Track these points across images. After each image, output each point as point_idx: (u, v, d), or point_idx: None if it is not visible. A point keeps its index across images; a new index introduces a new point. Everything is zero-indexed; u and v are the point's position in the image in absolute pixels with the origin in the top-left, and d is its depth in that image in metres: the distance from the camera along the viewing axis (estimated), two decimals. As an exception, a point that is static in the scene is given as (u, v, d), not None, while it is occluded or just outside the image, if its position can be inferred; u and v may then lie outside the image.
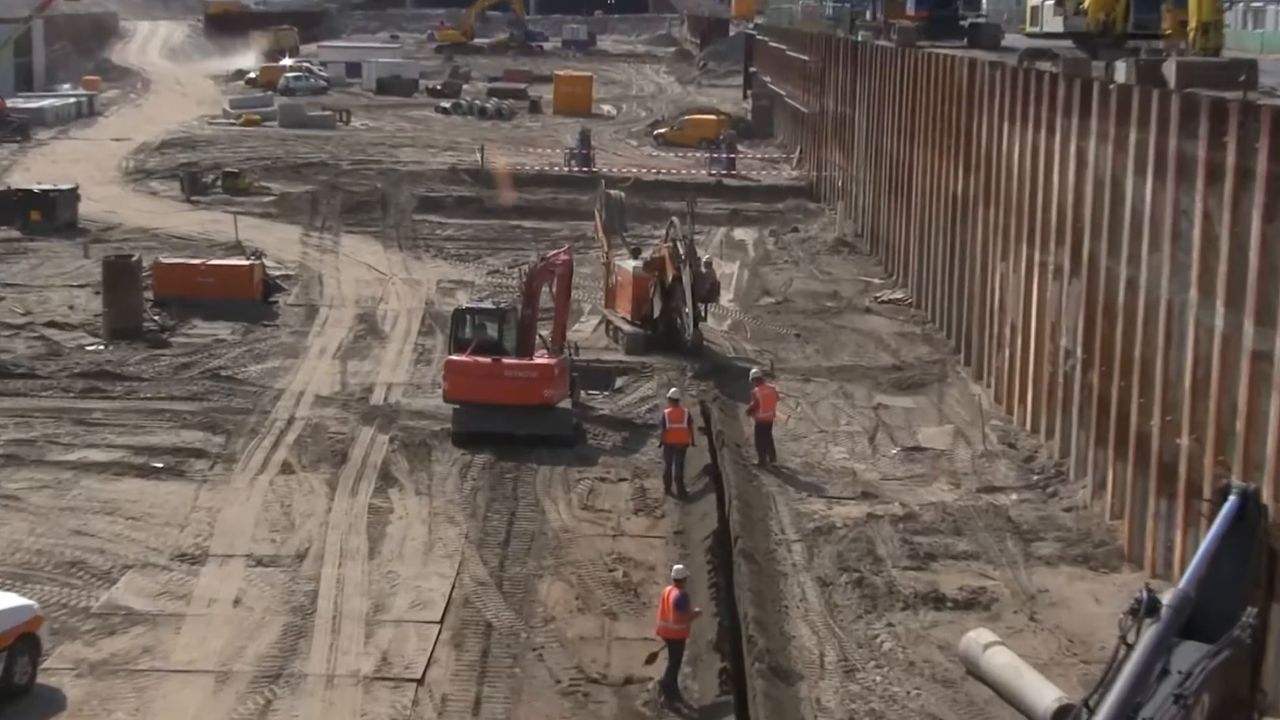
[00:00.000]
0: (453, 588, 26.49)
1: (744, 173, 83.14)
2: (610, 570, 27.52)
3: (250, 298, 47.94)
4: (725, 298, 51.43)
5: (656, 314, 43.86)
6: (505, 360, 34.82)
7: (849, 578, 26.94)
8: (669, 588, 23.26)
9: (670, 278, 42.80)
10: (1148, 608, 13.63)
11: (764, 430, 33.77)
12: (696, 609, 23.56)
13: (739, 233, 66.27)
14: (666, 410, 32.38)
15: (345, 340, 44.51)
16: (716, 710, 22.03)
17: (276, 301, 49.28)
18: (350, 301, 49.64)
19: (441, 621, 25.12)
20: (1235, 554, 14.21)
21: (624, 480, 32.49)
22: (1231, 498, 14.57)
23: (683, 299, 42.50)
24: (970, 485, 32.42)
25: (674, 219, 46.21)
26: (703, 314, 44.53)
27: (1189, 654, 13.42)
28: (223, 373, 40.33)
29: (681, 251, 42.62)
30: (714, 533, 28.56)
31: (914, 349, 44.87)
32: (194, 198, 69.45)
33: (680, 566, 24.25)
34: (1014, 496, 31.68)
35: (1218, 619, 13.72)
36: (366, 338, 44.94)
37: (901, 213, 53.18)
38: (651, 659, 23.41)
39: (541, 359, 35.37)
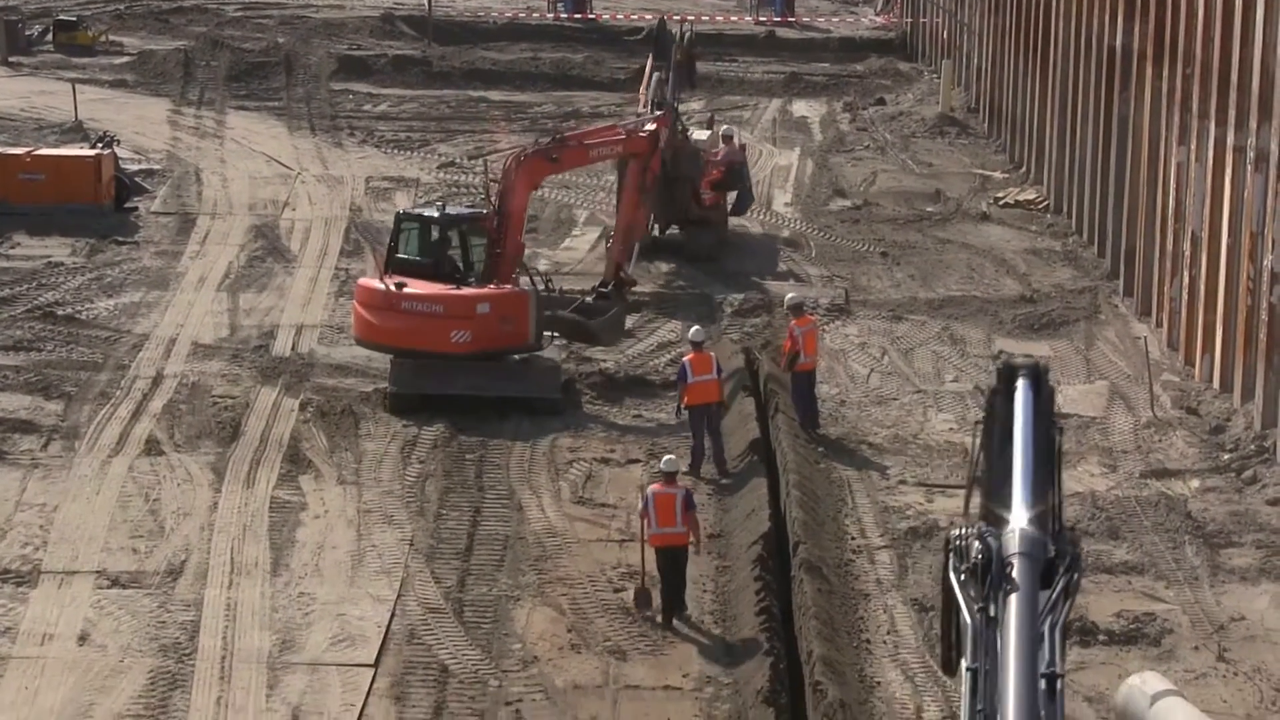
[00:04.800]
0: (392, 617, 26.57)
1: (807, 19, 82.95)
2: (616, 591, 27.64)
3: (97, 203, 48.05)
4: (781, 200, 51.47)
5: None
6: (409, 288, 35.08)
7: (958, 600, 26.98)
8: (655, 486, 26.87)
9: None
10: (997, 565, 14.11)
11: (807, 384, 33.88)
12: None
13: (800, 106, 66.16)
14: (688, 358, 32.45)
15: (235, 264, 44.59)
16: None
17: (135, 208, 49.36)
18: (242, 208, 49.68)
19: (376, 665, 25.17)
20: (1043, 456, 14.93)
21: (635, 462, 32.59)
22: (1022, 381, 15.10)
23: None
24: (1132, 468, 32.50)
25: (658, 74, 46.43)
26: (717, 210, 44.50)
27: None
28: (59, 311, 40.45)
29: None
30: (764, 536, 28.62)
31: (1051, 273, 44.84)
32: (14, 58, 69.42)
33: (670, 457, 27.80)
34: (1196, 484, 31.75)
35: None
36: (266, 260, 45.02)
37: (1034, 77, 53.01)
38: (643, 599, 26.63)
39: (481, 288, 35.26)
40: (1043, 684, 13.48)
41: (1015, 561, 13.95)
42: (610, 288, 37.61)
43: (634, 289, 39.15)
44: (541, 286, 36.19)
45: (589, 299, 37.43)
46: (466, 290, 35.14)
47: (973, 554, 14.10)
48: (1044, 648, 13.69)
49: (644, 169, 37.85)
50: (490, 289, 35.25)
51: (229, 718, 23.78)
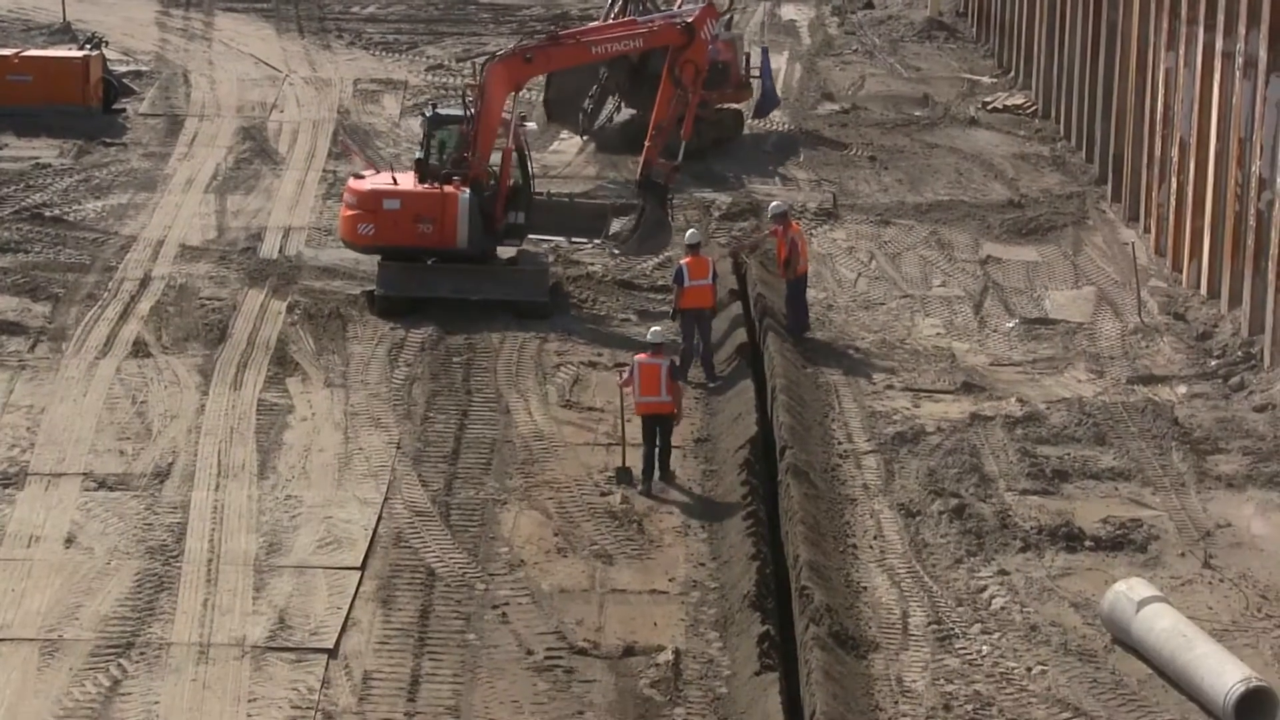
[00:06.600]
0: (379, 520, 26.45)
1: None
2: (604, 494, 27.56)
3: (85, 104, 47.74)
4: (769, 104, 51.13)
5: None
6: (353, 182, 35.69)
7: (944, 505, 26.94)
8: (641, 356, 27.87)
9: None
10: None
11: (800, 289, 33.69)
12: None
13: (788, 10, 65.79)
14: (685, 260, 32.21)
15: (223, 166, 44.34)
16: (754, 692, 22.10)
17: (123, 110, 49.10)
18: (230, 110, 49.41)
19: (363, 568, 25.08)
20: None
21: (623, 366, 32.38)
22: None
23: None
24: (1120, 373, 32.34)
25: None
26: (705, 107, 43.93)
27: None
28: (47, 212, 40.17)
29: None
30: (751, 440, 28.51)
31: (1040, 178, 44.67)
32: (2, -41, 68.88)
33: (657, 329, 28.85)
34: (1183, 390, 31.61)
35: None
36: (253, 162, 44.77)
37: (1023, -19, 52.69)
38: (624, 475, 27.61)
39: (413, 186, 35.14)
40: None
41: None
42: (638, 187, 36.94)
43: (673, 176, 37.68)
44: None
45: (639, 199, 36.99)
46: (385, 186, 35.10)
47: None
48: None
49: (677, 62, 36.44)
50: (408, 187, 35.06)
51: (215, 620, 23.68)
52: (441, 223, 34.59)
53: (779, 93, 49.11)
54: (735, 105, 47.22)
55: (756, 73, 47.75)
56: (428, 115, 36.47)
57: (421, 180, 34.92)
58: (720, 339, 33.09)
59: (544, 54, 36.16)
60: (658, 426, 27.76)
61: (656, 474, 27.72)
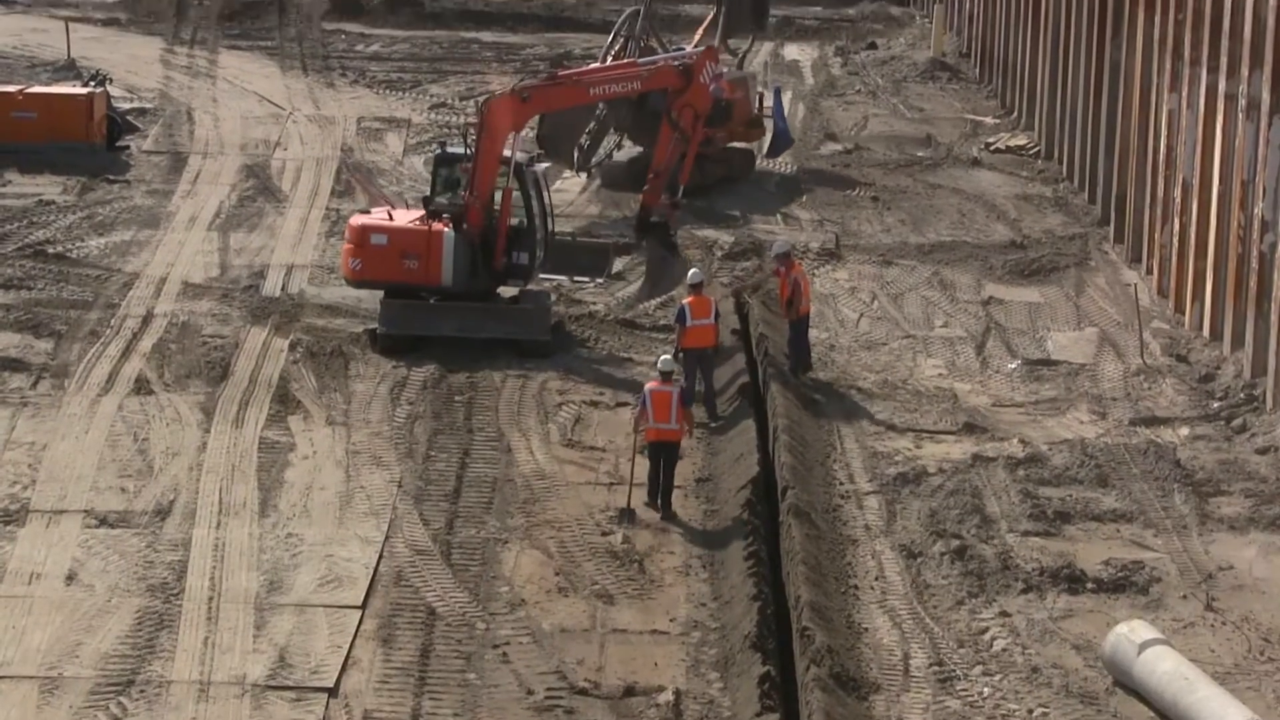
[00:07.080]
0: (380, 558, 26.44)
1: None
2: (605, 534, 27.53)
3: (89, 141, 47.79)
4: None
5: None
6: (354, 218, 36.16)
7: (945, 546, 26.92)
8: (652, 384, 28.41)
9: None
10: None
11: (802, 329, 33.71)
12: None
13: (791, 50, 65.90)
14: (687, 300, 32.22)
15: (226, 204, 44.37)
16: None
17: (127, 147, 49.16)
18: (234, 148, 49.46)
19: (364, 606, 25.07)
20: None
21: (624, 405, 32.40)
22: None
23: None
24: (1122, 415, 32.32)
25: (637, 7, 46.40)
26: (710, 144, 44.14)
27: None
28: (50, 249, 40.20)
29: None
30: (753, 480, 28.50)
31: (1042, 219, 44.68)
32: (8, -4, 69.10)
33: (666, 357, 29.55)
34: (1185, 432, 31.58)
35: None
36: (257, 200, 44.81)
37: (1026, 22, 52.74)
38: (627, 515, 27.69)
39: (398, 222, 35.43)
40: None
41: None
42: (637, 232, 36.94)
43: (673, 213, 37.50)
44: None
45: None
46: (375, 222, 35.33)
47: None
48: None
49: (675, 105, 36.30)
50: (396, 223, 35.25)
51: (216, 658, 23.64)
52: (427, 259, 34.71)
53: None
54: (745, 145, 47.27)
55: (769, 112, 47.79)
56: (436, 153, 36.66)
57: (429, 217, 35.05)
58: (723, 380, 33.08)
59: (542, 94, 36.21)
60: (663, 455, 28.15)
61: (660, 506, 28.10)
